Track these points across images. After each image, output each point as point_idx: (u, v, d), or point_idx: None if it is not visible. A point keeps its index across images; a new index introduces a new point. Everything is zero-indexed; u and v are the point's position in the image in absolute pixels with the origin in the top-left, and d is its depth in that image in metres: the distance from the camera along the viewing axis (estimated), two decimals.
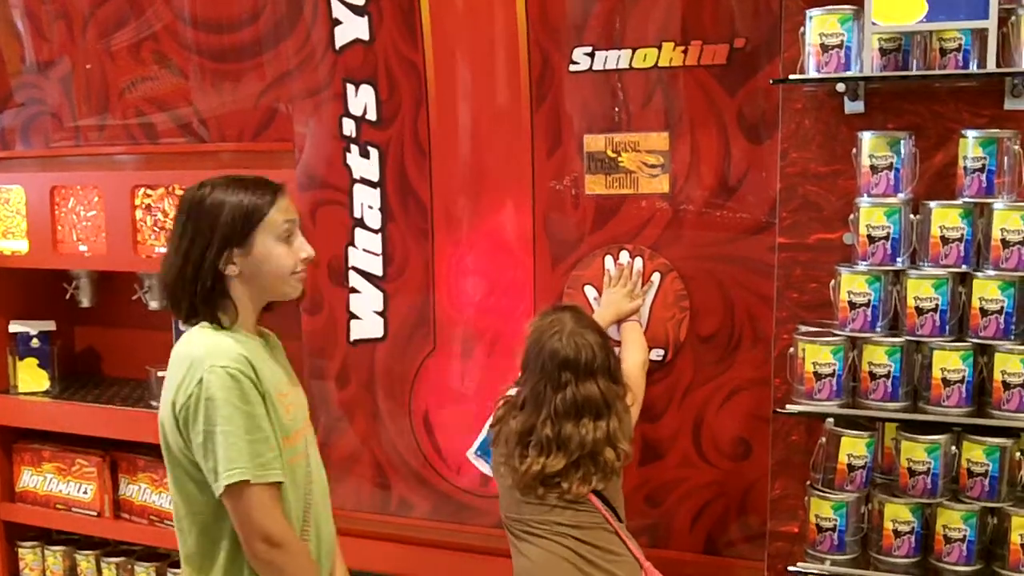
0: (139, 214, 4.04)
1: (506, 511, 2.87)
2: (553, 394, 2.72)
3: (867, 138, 2.70)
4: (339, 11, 3.47)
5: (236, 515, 2.18)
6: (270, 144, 3.75)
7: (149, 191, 4.01)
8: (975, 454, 2.64)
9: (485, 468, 3.39)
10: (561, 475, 2.71)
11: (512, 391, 2.92)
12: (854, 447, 2.73)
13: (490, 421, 2.95)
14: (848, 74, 2.69)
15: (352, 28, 3.47)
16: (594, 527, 2.76)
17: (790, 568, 2.80)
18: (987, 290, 2.58)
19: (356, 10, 3.45)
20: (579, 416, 2.71)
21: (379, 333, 3.60)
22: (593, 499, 2.75)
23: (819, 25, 2.69)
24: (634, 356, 3.06)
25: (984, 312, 2.59)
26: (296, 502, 2.30)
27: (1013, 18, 2.57)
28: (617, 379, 2.80)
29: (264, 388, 2.22)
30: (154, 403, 3.92)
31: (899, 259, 2.68)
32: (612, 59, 3.16)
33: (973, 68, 2.60)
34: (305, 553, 2.32)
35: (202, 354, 2.19)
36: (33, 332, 4.27)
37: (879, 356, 2.68)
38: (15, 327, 4.30)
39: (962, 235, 2.60)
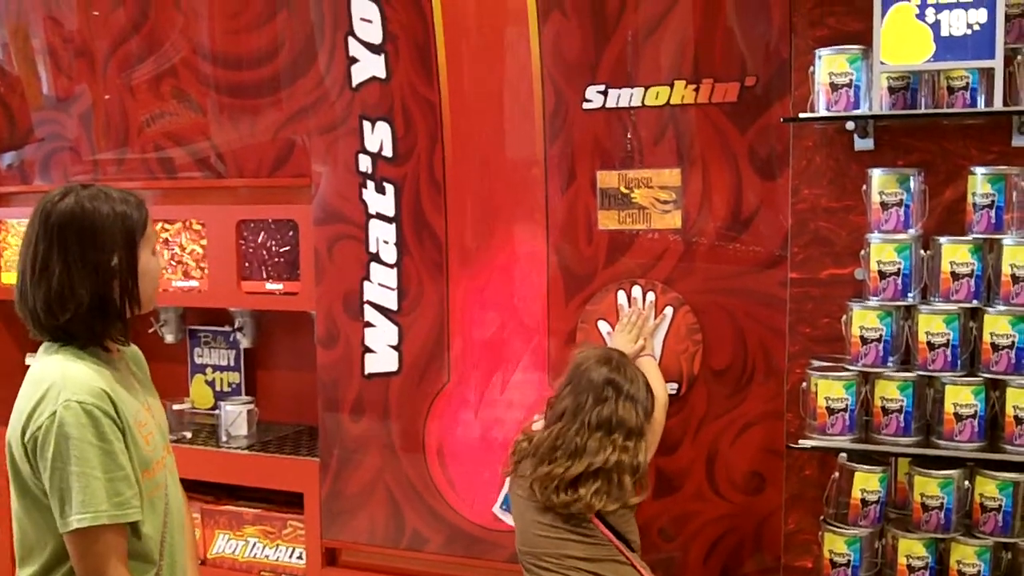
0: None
1: (521, 545, 2.88)
2: (593, 406, 2.77)
3: (877, 175, 2.73)
4: (356, 49, 3.52)
5: (79, 556, 2.04)
6: (287, 179, 3.80)
7: (167, 225, 4.05)
8: (988, 489, 2.65)
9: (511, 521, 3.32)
10: (580, 481, 2.73)
11: (536, 425, 2.96)
12: (867, 482, 2.74)
13: (512, 453, 2.96)
14: (857, 112, 2.73)
15: (369, 66, 3.52)
16: (606, 559, 2.76)
17: None
18: (998, 325, 2.60)
19: (373, 48, 3.50)
20: (611, 432, 2.75)
21: (394, 367, 3.63)
22: (602, 527, 2.76)
23: (828, 64, 2.74)
24: (657, 394, 3.06)
25: (995, 347, 2.61)
26: (154, 533, 2.19)
27: (1020, 57, 2.61)
28: (648, 418, 2.85)
29: (123, 422, 2.08)
30: (170, 437, 3.95)
31: (910, 294, 2.70)
32: (625, 97, 3.20)
33: (980, 106, 2.64)
34: None
35: (59, 383, 2.03)
36: None
37: (891, 391, 2.70)
38: (31, 360, 4.32)
39: (972, 271, 2.63)
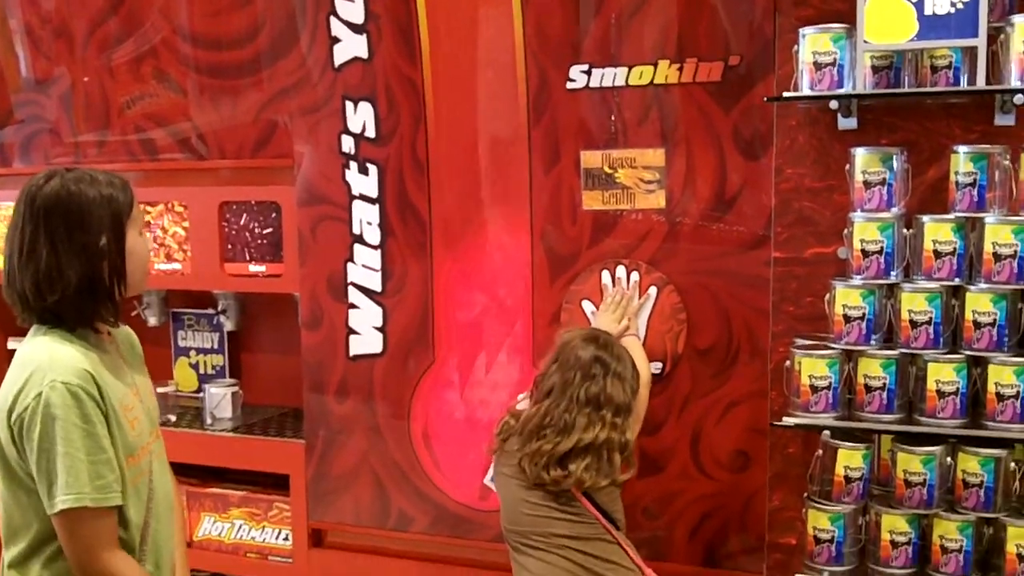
0: None
1: (507, 523, 2.89)
2: (581, 383, 2.77)
3: (860, 154, 2.74)
4: (338, 29, 3.51)
5: (68, 539, 2.06)
6: (270, 160, 3.79)
7: (148, 208, 4.03)
8: (970, 465, 2.67)
9: None
10: (569, 457, 2.73)
11: (521, 404, 2.96)
12: (851, 459, 2.76)
13: (497, 431, 2.97)
14: (841, 91, 2.73)
15: (351, 46, 3.50)
16: (593, 538, 2.78)
17: None
18: (980, 303, 2.62)
19: (355, 28, 3.49)
20: (599, 408, 2.76)
21: (378, 348, 3.63)
22: (588, 506, 2.77)
23: (812, 44, 2.73)
24: (641, 372, 3.08)
25: (977, 325, 2.63)
26: (137, 519, 2.19)
27: (1002, 36, 2.61)
28: (635, 396, 2.87)
29: (108, 406, 2.09)
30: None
31: (893, 273, 2.71)
32: (609, 77, 3.19)
33: (963, 85, 2.64)
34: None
35: (44, 365, 2.05)
36: None
37: (874, 369, 2.71)
38: (13, 344, 4.33)
39: (954, 249, 2.64)
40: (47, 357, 2.07)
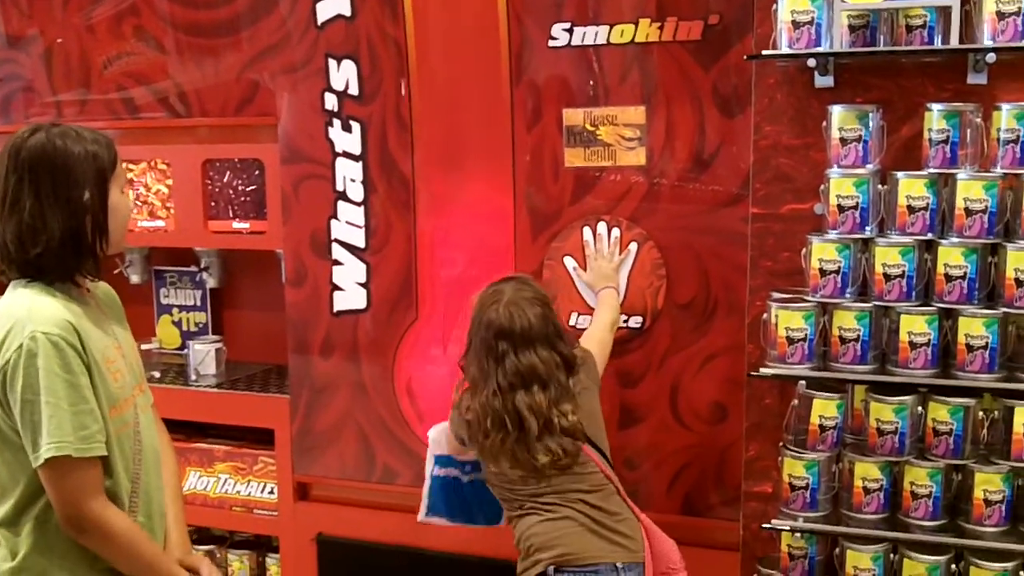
0: None
1: (509, 487, 2.82)
2: (495, 366, 2.71)
3: (837, 112, 2.78)
4: None
5: (53, 490, 2.06)
6: (253, 119, 3.79)
7: (131, 166, 4.03)
8: (940, 414, 2.75)
9: (442, 523, 3.26)
10: (542, 436, 2.67)
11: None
12: (825, 409, 2.84)
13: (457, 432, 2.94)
14: (818, 50, 2.77)
15: (334, 4, 3.51)
16: (599, 488, 2.78)
17: (764, 526, 2.91)
18: (951, 257, 2.68)
19: None
20: (527, 386, 2.69)
21: (362, 304, 3.67)
22: (590, 453, 2.78)
23: (791, 3, 2.77)
24: (602, 316, 3.14)
25: (948, 278, 2.69)
26: (124, 472, 2.19)
27: None
28: (557, 348, 2.76)
29: (90, 357, 2.09)
30: None
31: (867, 228, 2.77)
32: (590, 35, 3.22)
33: (938, 44, 2.69)
34: (124, 529, 2.15)
35: (24, 317, 2.05)
36: None
37: (849, 321, 2.78)
38: None
39: (927, 204, 2.70)
40: (27, 309, 2.08)
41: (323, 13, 3.54)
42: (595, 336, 3.06)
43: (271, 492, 3.95)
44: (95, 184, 2.15)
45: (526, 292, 2.80)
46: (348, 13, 3.50)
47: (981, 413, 2.75)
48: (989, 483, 2.72)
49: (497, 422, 2.70)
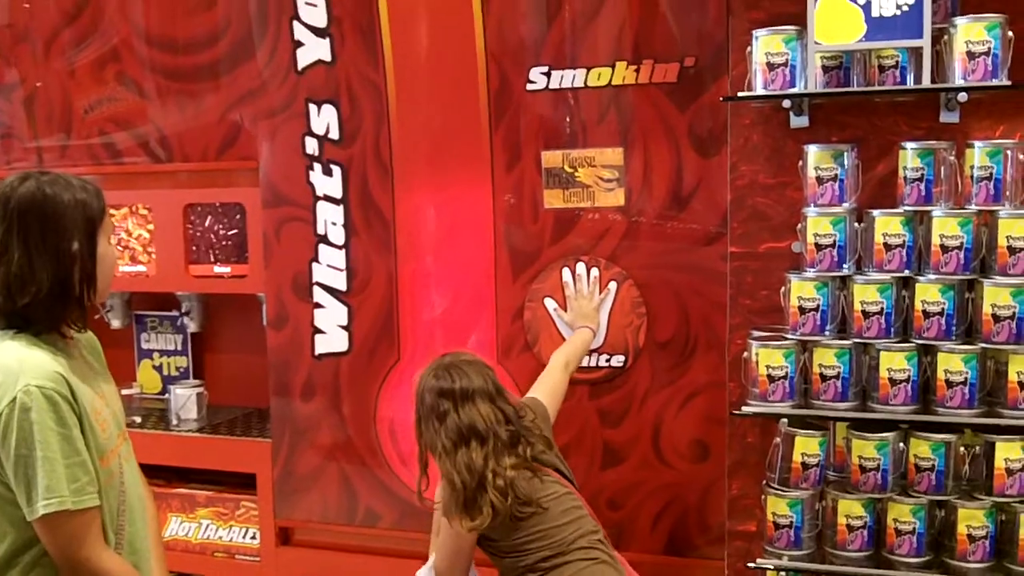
0: None
1: (539, 543, 2.68)
2: (439, 426, 2.66)
3: (812, 151, 2.82)
4: (301, 33, 3.55)
5: (50, 541, 2.05)
6: (234, 163, 3.82)
7: (113, 211, 4.01)
8: (922, 450, 2.76)
9: None
10: (475, 503, 2.58)
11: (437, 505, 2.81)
12: (807, 446, 2.84)
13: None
14: (793, 91, 2.81)
15: (314, 49, 3.55)
16: (598, 528, 2.76)
17: (749, 564, 2.90)
18: (928, 293, 2.71)
19: (318, 32, 3.53)
20: (467, 442, 2.63)
21: (344, 347, 3.67)
22: (575, 491, 2.77)
23: (765, 45, 2.81)
24: (556, 358, 3.12)
25: (927, 314, 2.72)
26: (109, 524, 2.17)
27: (946, 37, 2.71)
28: (498, 403, 2.71)
29: (80, 408, 2.08)
30: None
31: (845, 265, 2.80)
32: (568, 78, 3.26)
33: (910, 84, 2.73)
34: (121, 572, 2.13)
35: (16, 370, 2.02)
36: None
37: (829, 358, 2.79)
38: None
39: (904, 242, 2.73)
40: (18, 361, 2.05)
41: (303, 58, 3.57)
42: (545, 382, 3.04)
43: (253, 537, 3.93)
44: (84, 233, 2.12)
45: (465, 356, 2.82)
46: (328, 58, 3.54)
47: (963, 448, 2.76)
48: (972, 519, 2.72)
49: (449, 483, 2.65)
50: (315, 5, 3.51)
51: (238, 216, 3.91)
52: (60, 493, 2.01)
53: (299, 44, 3.56)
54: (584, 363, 3.26)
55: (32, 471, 2.01)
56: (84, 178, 2.19)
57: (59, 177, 2.15)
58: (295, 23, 3.55)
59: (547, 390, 3.00)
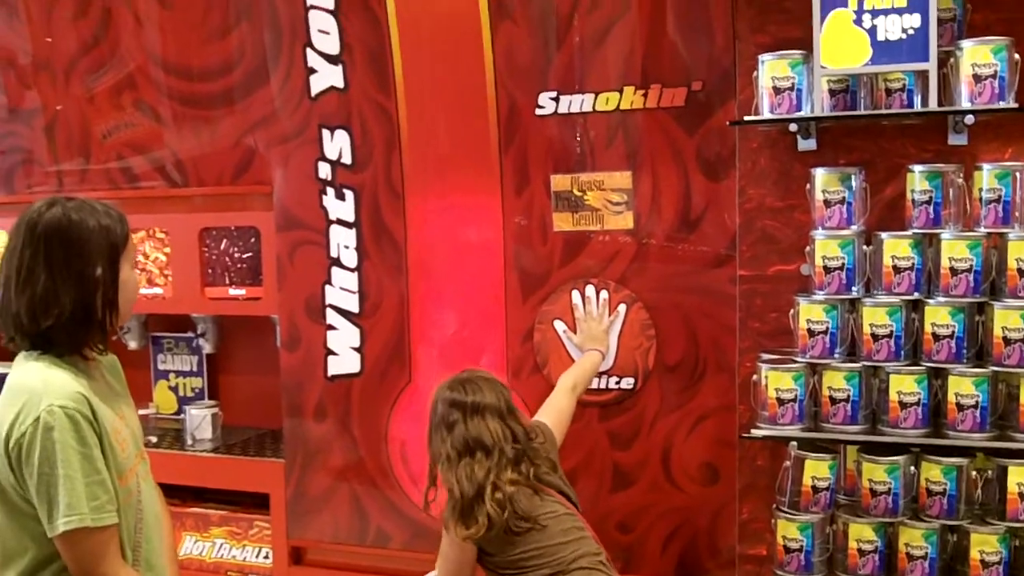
0: None
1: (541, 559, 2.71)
2: (447, 435, 2.70)
3: (820, 174, 2.83)
4: (314, 60, 3.59)
5: (71, 559, 2.09)
6: (249, 187, 3.87)
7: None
8: (933, 474, 2.75)
9: None
10: (472, 512, 2.60)
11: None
12: (817, 469, 2.84)
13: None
14: (799, 115, 2.83)
15: (327, 76, 3.59)
16: (600, 550, 2.75)
17: None
18: (938, 316, 2.71)
19: (331, 59, 3.57)
20: (471, 453, 2.66)
21: (356, 368, 3.69)
22: (577, 513, 2.76)
23: (771, 69, 2.83)
24: (564, 380, 3.14)
25: (936, 337, 2.71)
26: (127, 541, 2.22)
27: (952, 60, 2.71)
28: (508, 421, 2.73)
29: (100, 428, 2.12)
30: None
31: (854, 288, 2.80)
32: (576, 103, 3.28)
33: (917, 106, 2.74)
34: None
35: (40, 390, 2.07)
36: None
37: (838, 381, 2.80)
38: (3, 369, 4.34)
39: (913, 264, 2.74)
40: (42, 382, 2.09)
41: (317, 85, 3.61)
42: (552, 405, 3.05)
43: (266, 557, 3.95)
44: (107, 259, 2.17)
45: (482, 374, 2.86)
46: (341, 85, 3.58)
47: (975, 473, 2.75)
48: (985, 544, 2.71)
49: (448, 491, 2.68)
50: (328, 33, 3.55)
51: (253, 239, 3.95)
52: (80, 511, 2.05)
53: (312, 71, 3.60)
54: (594, 385, 3.27)
55: (53, 489, 2.05)
56: (108, 205, 2.23)
57: (84, 203, 2.19)
58: (308, 50, 3.59)
59: (554, 414, 3.01)
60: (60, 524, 2.05)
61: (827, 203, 2.82)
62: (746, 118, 2.90)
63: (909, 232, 2.75)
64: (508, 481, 2.63)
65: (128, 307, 2.25)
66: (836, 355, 2.81)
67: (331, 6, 3.53)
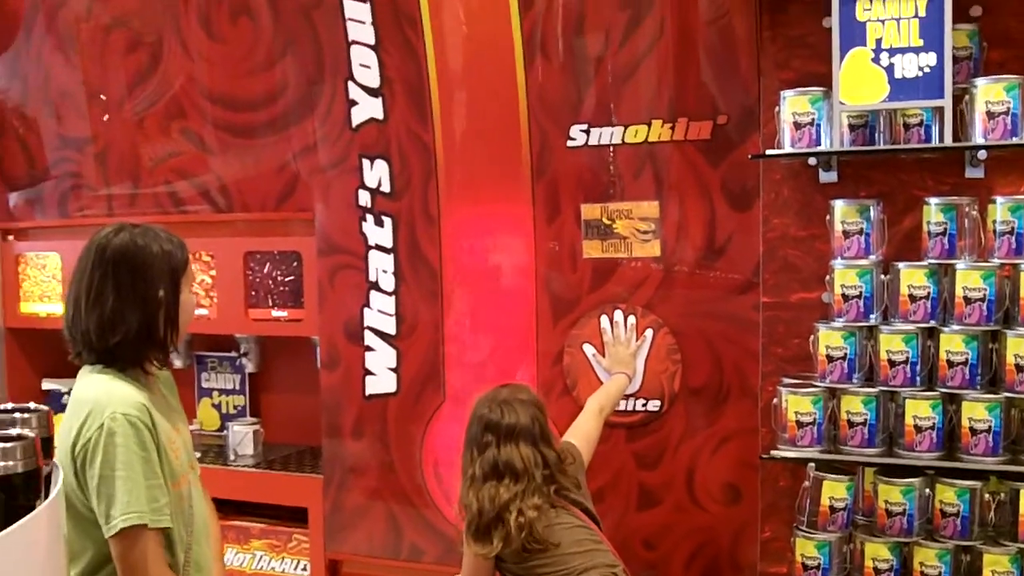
0: None
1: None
2: (477, 456, 2.78)
3: (839, 206, 2.92)
4: (355, 93, 3.74)
5: (121, 559, 2.18)
6: (292, 213, 4.01)
7: None
8: (947, 496, 2.82)
9: None
10: (490, 533, 2.68)
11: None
12: (835, 490, 2.92)
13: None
14: (819, 149, 2.92)
15: (368, 108, 3.73)
16: (617, 562, 2.83)
17: None
18: (953, 344, 2.79)
19: (371, 92, 3.71)
20: (499, 477, 2.72)
21: (392, 388, 3.81)
22: (587, 520, 2.84)
23: (792, 105, 2.93)
24: (591, 404, 3.23)
25: (951, 364, 2.79)
26: (180, 543, 2.31)
27: (968, 96, 2.79)
28: (540, 448, 2.79)
29: (158, 436, 2.24)
30: None
31: (872, 316, 2.89)
32: (606, 135, 3.40)
33: (934, 142, 2.82)
34: None
35: (104, 400, 2.21)
36: (64, 390, 4.41)
37: (856, 405, 2.88)
38: (48, 385, 4.52)
39: (928, 293, 2.82)
40: (105, 392, 2.25)
41: (357, 116, 3.75)
42: (580, 427, 3.14)
43: (304, 569, 4.06)
44: (169, 282, 2.34)
45: (522, 395, 2.90)
46: (380, 116, 3.72)
47: (988, 495, 2.81)
48: (998, 564, 2.77)
49: (466, 508, 2.77)
50: (368, 67, 3.69)
51: (295, 263, 4.09)
52: (139, 509, 2.18)
53: (353, 103, 3.74)
54: (621, 407, 3.36)
55: (113, 489, 2.18)
56: (170, 232, 2.40)
57: (149, 229, 2.37)
58: (350, 83, 3.73)
59: (581, 436, 3.10)
60: (119, 521, 2.17)
61: (846, 234, 2.90)
62: (768, 152, 3.00)
63: (925, 262, 2.83)
64: (532, 507, 2.71)
65: (186, 326, 2.42)
66: (854, 380, 2.89)
67: (372, 41, 3.68)
